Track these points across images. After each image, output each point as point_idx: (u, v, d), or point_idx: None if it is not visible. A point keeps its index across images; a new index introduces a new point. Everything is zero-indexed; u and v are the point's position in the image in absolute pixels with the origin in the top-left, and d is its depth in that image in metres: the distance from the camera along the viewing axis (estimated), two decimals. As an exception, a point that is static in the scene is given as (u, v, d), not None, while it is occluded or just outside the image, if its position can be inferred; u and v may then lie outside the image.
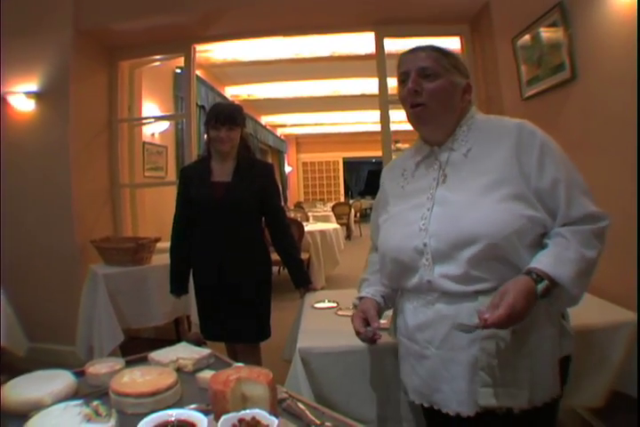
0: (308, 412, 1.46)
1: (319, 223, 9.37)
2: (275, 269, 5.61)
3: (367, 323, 1.77)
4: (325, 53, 6.91)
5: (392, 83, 5.35)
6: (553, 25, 3.41)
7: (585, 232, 1.55)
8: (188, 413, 1.35)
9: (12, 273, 4.29)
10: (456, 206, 1.60)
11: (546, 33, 3.51)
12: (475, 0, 4.51)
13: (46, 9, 4.69)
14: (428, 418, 1.85)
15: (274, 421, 1.24)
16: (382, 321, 1.89)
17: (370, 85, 5.46)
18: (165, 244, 3.59)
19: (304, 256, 7.13)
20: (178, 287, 3.37)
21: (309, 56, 7.01)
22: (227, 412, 1.27)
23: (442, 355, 1.63)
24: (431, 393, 1.68)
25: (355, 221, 16.51)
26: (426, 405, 1.71)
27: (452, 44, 5.10)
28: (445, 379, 1.63)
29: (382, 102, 5.20)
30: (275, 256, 3.40)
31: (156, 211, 5.89)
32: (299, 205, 14.72)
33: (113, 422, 1.34)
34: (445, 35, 5.10)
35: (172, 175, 6.53)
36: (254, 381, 1.37)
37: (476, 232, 1.52)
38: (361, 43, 6.10)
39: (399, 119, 9.30)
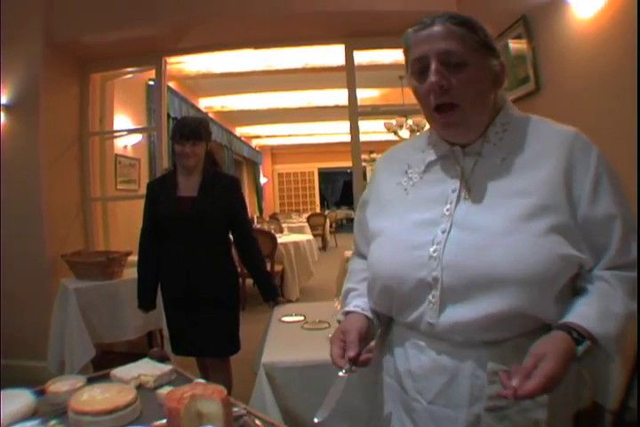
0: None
1: (293, 235, 9.39)
2: (249, 281, 5.62)
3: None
4: (298, 65, 6.95)
5: (361, 94, 5.45)
6: (518, 37, 3.48)
7: (632, 280, 1.26)
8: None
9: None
10: (482, 234, 1.22)
11: (512, 45, 3.57)
12: (442, 11, 4.55)
13: (17, 21, 4.66)
14: None
15: None
16: (373, 343, 1.48)
17: (343, 96, 5.50)
18: (136, 257, 3.58)
19: (278, 268, 7.18)
20: (145, 302, 3.36)
21: (282, 68, 7.05)
22: (182, 429, 1.28)
23: (434, 411, 1.31)
24: None
25: (330, 232, 16.53)
26: None
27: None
28: None
29: (352, 114, 5.25)
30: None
31: (128, 224, 5.83)
32: (274, 217, 14.70)
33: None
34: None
35: (144, 188, 6.46)
36: (208, 398, 1.38)
37: (504, 272, 1.17)
38: (333, 54, 6.15)
39: (373, 130, 9.36)
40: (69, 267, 4.45)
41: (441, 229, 1.28)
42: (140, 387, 1.76)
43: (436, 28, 1.25)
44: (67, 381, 1.77)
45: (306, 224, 13.51)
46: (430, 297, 1.27)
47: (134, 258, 3.58)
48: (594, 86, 2.78)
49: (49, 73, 4.82)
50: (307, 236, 9.41)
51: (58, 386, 1.72)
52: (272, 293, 3.42)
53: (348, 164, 5.68)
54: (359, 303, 1.49)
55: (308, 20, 4.81)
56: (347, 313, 1.49)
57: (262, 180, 17.74)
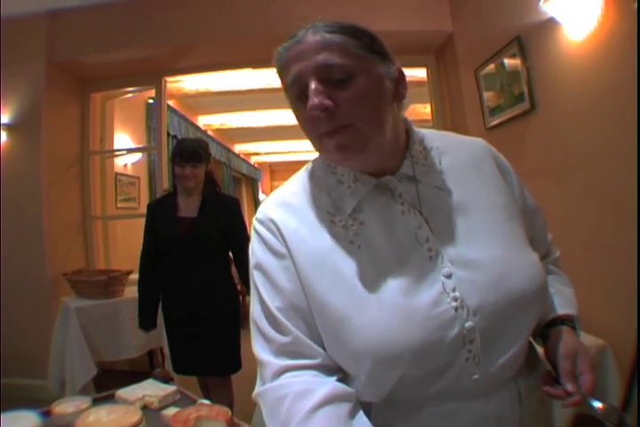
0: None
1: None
2: (249, 299, 5.59)
3: None
4: (296, 83, 6.99)
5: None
6: (513, 57, 3.53)
7: (558, 262, 1.38)
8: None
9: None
10: (487, 264, 1.07)
11: (507, 65, 3.62)
12: (439, 31, 4.63)
13: (19, 41, 4.74)
14: None
15: None
16: None
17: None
18: (137, 276, 3.59)
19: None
20: (146, 322, 3.38)
21: (280, 86, 7.08)
22: (188, 450, 1.30)
23: None
24: None
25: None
26: None
27: (419, 73, 5.25)
28: None
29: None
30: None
31: (128, 242, 5.86)
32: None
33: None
34: (412, 66, 5.20)
35: (144, 206, 6.47)
36: (213, 419, 1.40)
37: (525, 294, 1.07)
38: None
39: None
40: (70, 285, 4.47)
41: (444, 275, 1.05)
42: (144, 408, 1.77)
43: (310, 40, 1.04)
44: (72, 402, 1.78)
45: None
46: (467, 353, 1.03)
47: (135, 276, 3.60)
48: (587, 106, 2.82)
49: (50, 92, 4.87)
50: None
51: (63, 407, 1.74)
52: None
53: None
54: None
55: (306, 40, 4.86)
56: None
57: (261, 196, 17.75)
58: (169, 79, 5.69)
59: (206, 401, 1.71)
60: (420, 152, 1.16)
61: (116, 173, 6.15)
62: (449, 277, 1.05)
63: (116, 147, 6.13)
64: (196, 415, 1.40)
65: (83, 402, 1.78)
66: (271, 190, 19.38)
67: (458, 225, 1.11)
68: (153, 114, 6.44)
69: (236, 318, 3.35)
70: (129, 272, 4.54)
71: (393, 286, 1.03)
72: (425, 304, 1.01)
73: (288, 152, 15.82)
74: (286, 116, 9.98)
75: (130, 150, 6.48)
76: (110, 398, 1.90)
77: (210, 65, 5.40)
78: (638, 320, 1.76)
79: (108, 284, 4.32)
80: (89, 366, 3.94)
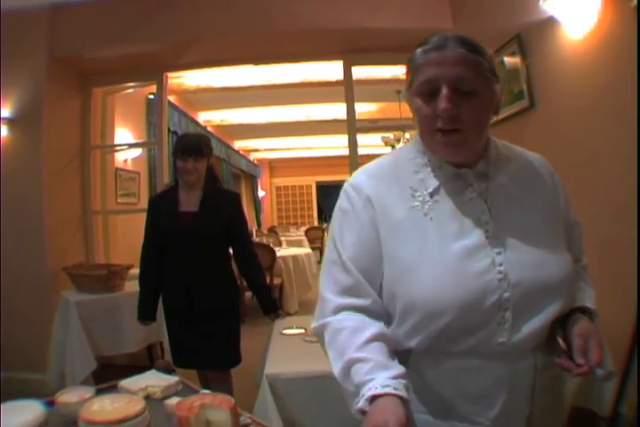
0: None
1: (292, 248, 9.42)
2: (249, 294, 5.63)
3: None
4: (296, 80, 7.02)
5: (359, 108, 5.52)
6: (512, 55, 3.55)
7: (586, 269, 1.59)
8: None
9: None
10: (532, 252, 1.31)
11: (506, 62, 3.64)
12: (439, 29, 4.63)
13: (20, 35, 4.74)
14: None
15: None
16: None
17: (341, 110, 5.57)
18: (137, 271, 3.60)
19: (276, 281, 7.20)
20: (145, 314, 3.40)
21: (281, 82, 7.12)
22: (192, 438, 1.33)
23: (498, 425, 1.31)
24: None
25: (329, 246, 16.51)
26: None
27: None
28: None
29: (350, 129, 5.31)
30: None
31: (128, 237, 5.87)
32: (272, 230, 14.72)
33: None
34: (413, 63, 5.21)
35: (144, 201, 6.44)
36: (217, 407, 1.43)
37: (560, 280, 1.31)
38: (331, 69, 6.22)
39: (369, 143, 9.37)
40: (71, 279, 4.49)
41: (495, 251, 1.29)
42: (147, 398, 1.79)
43: (450, 53, 1.24)
44: (75, 392, 1.80)
45: (304, 238, 13.53)
46: (500, 318, 1.26)
47: (135, 271, 3.62)
48: (586, 104, 2.85)
49: (51, 87, 4.88)
50: (305, 249, 9.45)
51: (67, 397, 1.76)
52: (272, 306, 3.46)
53: (346, 177, 5.74)
54: (386, 380, 1.15)
55: (307, 38, 4.89)
56: (373, 398, 1.12)
57: (260, 193, 17.78)
58: (170, 75, 5.71)
59: (208, 392, 1.73)
60: (495, 156, 1.40)
61: (117, 169, 6.17)
62: (499, 254, 1.29)
63: (116, 142, 6.15)
64: (200, 403, 1.43)
65: (86, 392, 1.80)
66: (270, 187, 19.43)
67: (513, 217, 1.35)
68: (153, 109, 6.46)
69: (236, 312, 3.37)
70: (129, 267, 4.56)
71: (453, 253, 1.28)
72: (476, 271, 1.26)
73: (288, 149, 15.86)
74: (287, 113, 10.02)
75: (131, 145, 6.50)
76: (113, 389, 1.93)
77: (211, 61, 5.43)
78: (638, 314, 1.79)
79: (109, 278, 4.34)
80: (89, 359, 3.96)
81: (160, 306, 3.41)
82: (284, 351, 2.74)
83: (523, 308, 1.27)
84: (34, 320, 4.63)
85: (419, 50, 1.30)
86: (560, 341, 1.34)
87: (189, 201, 3.25)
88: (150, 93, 6.74)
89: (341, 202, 1.45)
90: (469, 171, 1.36)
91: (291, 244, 10.78)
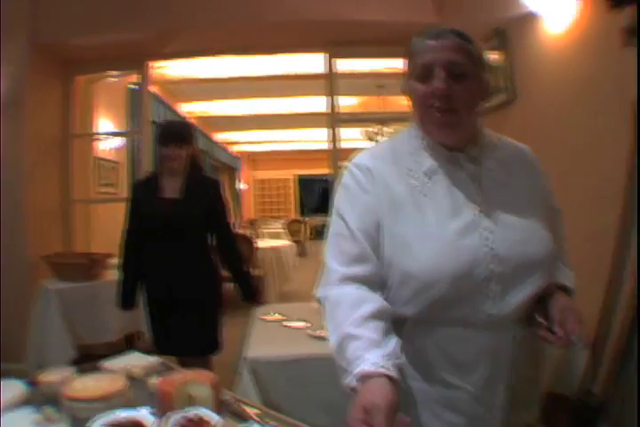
0: (252, 413, 1.53)
1: (272, 240, 9.44)
2: (229, 285, 5.62)
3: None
4: (278, 72, 7.03)
5: (341, 102, 5.56)
6: (493, 49, 3.60)
7: (567, 254, 1.66)
8: (137, 413, 1.43)
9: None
10: (518, 230, 1.42)
11: (489, 56, 3.69)
12: (422, 23, 4.68)
13: (3, 22, 4.66)
14: None
15: (216, 418, 1.34)
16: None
17: (322, 104, 5.60)
18: (117, 260, 3.59)
19: (256, 273, 7.22)
20: (125, 300, 3.40)
21: (263, 75, 7.13)
22: (173, 412, 1.36)
23: (482, 392, 1.42)
24: None
25: (309, 239, 16.59)
26: None
27: (400, 62, 5.30)
28: (480, 416, 1.44)
29: (332, 122, 5.36)
30: (226, 272, 3.47)
31: (109, 226, 5.82)
32: (252, 223, 14.74)
33: (64, 426, 1.40)
34: (396, 56, 5.24)
35: (125, 191, 6.49)
36: (199, 382, 1.46)
37: (543, 256, 1.42)
38: (313, 62, 6.23)
39: (350, 137, 9.37)
40: (51, 268, 4.47)
41: (485, 228, 1.39)
42: (129, 378, 1.81)
43: (445, 41, 1.38)
44: (57, 372, 1.82)
45: (284, 230, 13.56)
46: (488, 289, 1.36)
47: (116, 261, 3.62)
48: (565, 97, 2.91)
49: (33, 74, 4.88)
50: (285, 241, 9.49)
51: (49, 376, 1.77)
52: (252, 292, 3.50)
53: (326, 171, 5.77)
54: (377, 359, 1.19)
55: (292, 29, 4.94)
56: (363, 378, 1.17)
57: (240, 186, 17.78)
58: (153, 65, 5.71)
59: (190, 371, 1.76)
60: (485, 142, 1.52)
61: (98, 158, 6.17)
62: (489, 231, 1.39)
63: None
64: (183, 379, 1.45)
65: (68, 372, 1.81)
66: (251, 180, 19.41)
67: (501, 198, 1.46)
68: (135, 100, 6.44)
69: (217, 299, 3.40)
70: (109, 255, 4.56)
71: (448, 230, 1.38)
72: (468, 246, 1.36)
73: (268, 142, 15.84)
74: (268, 106, 10.01)
75: (112, 134, 6.51)
76: (94, 370, 1.94)
77: (195, 51, 5.46)
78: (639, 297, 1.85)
79: (89, 266, 4.35)
80: (67, 348, 3.97)
81: (140, 294, 3.40)
82: (263, 336, 2.77)
83: (509, 281, 1.37)
84: (12, 310, 4.56)
85: (418, 37, 1.43)
86: (539, 317, 1.42)
87: (171, 188, 3.26)
88: (132, 83, 6.71)
89: (345, 179, 1.54)
90: (461, 154, 1.48)
91: (271, 236, 10.81)
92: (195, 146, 3.38)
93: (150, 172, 3.62)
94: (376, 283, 1.42)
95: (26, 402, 1.64)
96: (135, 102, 6.39)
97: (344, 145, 5.51)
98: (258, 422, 1.37)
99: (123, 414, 1.42)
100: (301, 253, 14.79)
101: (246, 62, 6.69)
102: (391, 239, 1.42)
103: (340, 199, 1.53)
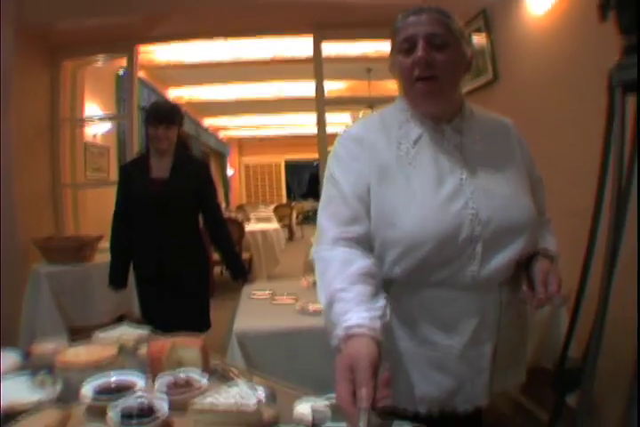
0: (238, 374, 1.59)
1: (260, 224, 9.51)
2: (217, 269, 5.68)
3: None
4: (267, 56, 7.06)
5: (328, 86, 5.59)
6: (478, 30, 3.65)
7: (549, 222, 1.77)
8: (128, 375, 1.50)
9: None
10: (499, 196, 1.49)
11: (472, 38, 3.74)
12: (409, 4, 4.69)
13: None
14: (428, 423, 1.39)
15: (204, 380, 1.41)
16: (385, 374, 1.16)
17: (310, 88, 5.63)
18: (107, 244, 3.64)
19: (245, 256, 7.27)
20: (116, 280, 3.47)
21: (251, 59, 7.15)
22: (163, 374, 1.42)
23: (468, 354, 1.49)
24: (451, 398, 1.51)
25: (297, 223, 16.66)
26: (435, 413, 1.51)
27: (388, 46, 5.33)
28: (468, 378, 1.51)
29: (319, 105, 5.41)
30: (217, 256, 3.52)
31: (98, 211, 5.87)
32: (241, 208, 14.77)
33: (58, 389, 1.46)
34: (383, 38, 5.27)
35: (113, 177, 6.48)
36: (187, 345, 1.52)
37: (524, 222, 1.49)
38: (301, 46, 6.27)
39: (339, 121, 9.42)
40: (41, 252, 4.50)
41: (468, 195, 1.46)
42: (120, 348, 1.86)
43: (425, 15, 1.45)
44: (50, 343, 1.87)
45: (273, 215, 13.60)
46: (471, 251, 1.44)
47: (106, 244, 3.66)
48: (546, 77, 2.97)
49: (20, 59, 4.86)
50: (274, 225, 9.53)
51: (43, 347, 1.82)
52: (241, 271, 3.57)
53: (315, 155, 5.81)
54: (362, 319, 1.23)
55: (278, 10, 4.95)
56: (349, 336, 1.21)
57: (229, 171, 17.79)
58: (140, 49, 5.72)
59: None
60: (468, 115, 1.59)
61: (86, 143, 6.18)
62: (471, 197, 1.46)
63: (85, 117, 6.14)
64: (172, 343, 1.52)
65: (60, 343, 1.87)
66: (239, 166, 19.40)
67: (483, 167, 1.54)
68: (123, 85, 6.45)
69: (206, 276, 3.48)
70: (99, 238, 4.60)
71: (431, 194, 1.46)
72: (452, 210, 1.44)
73: (257, 127, 15.80)
74: (256, 90, 10.00)
75: (100, 118, 6.52)
76: (87, 341, 1.99)
77: (182, 34, 5.50)
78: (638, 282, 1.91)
79: (79, 249, 4.38)
80: (59, 330, 3.99)
81: (131, 273, 3.46)
82: (252, 312, 2.82)
83: (491, 243, 1.45)
84: (3, 295, 4.61)
85: (400, 15, 1.50)
86: (523, 280, 1.50)
87: (160, 168, 3.31)
88: (120, 67, 6.72)
89: (337, 148, 1.62)
90: (446, 125, 1.56)
91: (259, 220, 10.84)
92: (183, 127, 3.43)
93: (139, 153, 3.66)
94: (367, 244, 1.50)
95: (21, 370, 1.68)
96: (123, 88, 6.41)
97: (333, 130, 5.54)
98: (243, 382, 1.43)
99: (114, 378, 1.47)
100: (290, 237, 14.88)
101: (234, 46, 6.71)
102: (379, 204, 1.49)
103: (332, 167, 1.60)
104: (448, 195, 1.46)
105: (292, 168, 20.24)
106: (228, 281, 3.53)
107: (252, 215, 11.33)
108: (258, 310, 2.86)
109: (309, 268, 5.36)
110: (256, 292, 3.18)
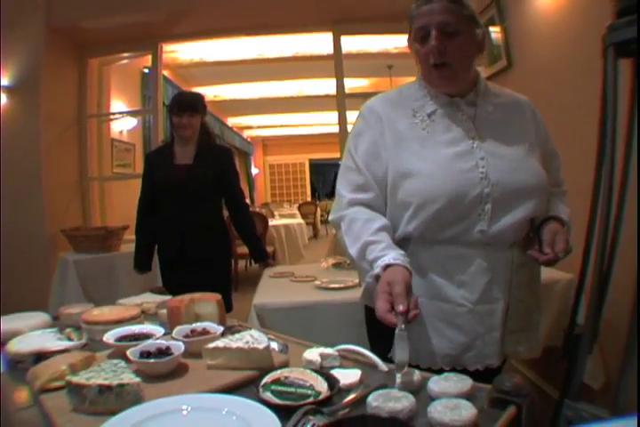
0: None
1: (284, 219, 9.61)
2: (242, 263, 5.73)
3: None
4: (288, 54, 7.15)
5: (350, 84, 5.65)
6: (491, 19, 3.72)
7: (564, 194, 1.85)
8: (148, 327, 1.60)
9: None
10: (508, 160, 1.59)
11: (489, 29, 3.82)
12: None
13: (19, 5, 4.87)
14: None
15: (220, 328, 1.52)
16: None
17: (333, 86, 5.69)
18: (133, 236, 3.74)
19: (269, 250, 7.35)
20: (141, 263, 3.59)
21: (273, 56, 7.25)
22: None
23: (479, 310, 1.58)
24: (461, 353, 1.60)
25: (321, 221, 16.71)
26: (447, 368, 1.59)
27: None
28: (479, 334, 1.59)
29: (340, 101, 5.50)
30: (240, 250, 3.58)
31: (123, 205, 6.02)
32: (265, 206, 14.86)
33: (84, 341, 1.57)
34: (402, 32, 5.31)
35: (139, 171, 6.63)
36: (205, 300, 1.62)
37: (533, 185, 1.58)
38: (322, 43, 6.34)
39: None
40: (69, 241, 4.63)
41: (479, 157, 1.57)
42: (142, 311, 1.97)
43: (436, 5, 1.53)
44: (77, 306, 1.99)
45: (297, 212, 13.66)
46: (481, 210, 1.54)
47: (131, 236, 3.76)
48: (557, 61, 3.03)
49: (49, 57, 5.04)
50: (297, 220, 9.62)
51: (70, 309, 1.94)
52: (262, 254, 3.69)
53: (339, 155, 5.86)
54: (397, 256, 1.46)
55: (297, 7, 5.06)
56: (386, 266, 1.43)
57: (254, 170, 17.90)
58: (164, 48, 5.85)
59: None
60: (483, 89, 1.69)
61: (112, 139, 6.34)
62: (482, 159, 1.57)
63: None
64: (190, 297, 1.62)
65: (87, 306, 1.98)
66: (264, 165, 19.49)
67: (495, 135, 1.63)
68: (148, 83, 6.60)
69: (229, 258, 3.59)
70: (125, 227, 4.73)
71: (444, 156, 1.58)
72: (462, 169, 1.55)
73: (280, 126, 15.85)
74: (279, 88, 10.08)
75: (126, 113, 6.71)
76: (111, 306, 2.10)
77: (205, 31, 5.59)
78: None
79: (106, 237, 4.51)
80: (86, 315, 4.11)
81: (155, 257, 3.59)
82: (271, 288, 2.93)
83: (500, 203, 1.55)
84: (33, 283, 4.79)
85: (413, 5, 1.58)
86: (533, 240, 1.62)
87: (184, 155, 3.41)
88: (145, 67, 6.87)
89: (356, 121, 1.77)
90: (461, 100, 1.66)
91: (284, 217, 10.93)
92: (206, 116, 3.54)
93: (164, 141, 3.78)
94: (378, 208, 1.65)
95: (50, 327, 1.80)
96: (148, 85, 6.56)
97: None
98: (255, 330, 1.52)
99: (135, 328, 1.58)
100: (314, 235, 14.92)
101: (255, 44, 6.80)
102: (395, 167, 1.62)
103: (350, 139, 1.75)
104: (459, 156, 1.57)
105: (317, 167, 20.28)
106: (251, 276, 3.62)
107: (276, 213, 11.43)
108: (277, 286, 2.97)
109: (331, 252, 5.45)
110: (276, 272, 3.28)
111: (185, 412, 1.08)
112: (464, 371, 1.54)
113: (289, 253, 7.90)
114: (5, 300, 4.43)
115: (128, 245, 4.40)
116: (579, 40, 2.85)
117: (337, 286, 2.79)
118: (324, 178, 23.72)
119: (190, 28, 5.45)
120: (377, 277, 1.43)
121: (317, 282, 2.88)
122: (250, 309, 2.64)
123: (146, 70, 7.00)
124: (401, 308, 1.27)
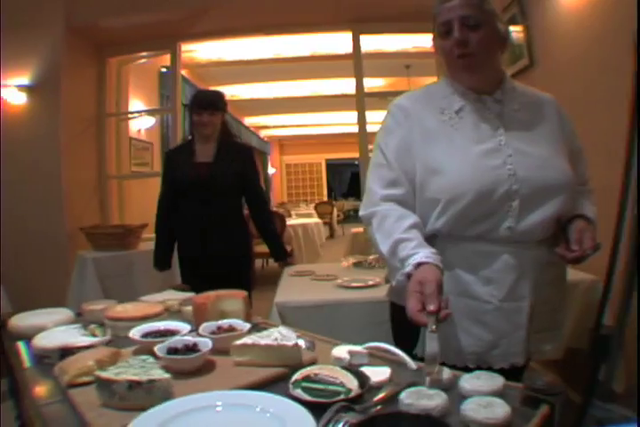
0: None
1: (301, 219, 9.60)
2: (258, 263, 5.71)
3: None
4: (305, 53, 7.13)
5: (368, 83, 5.63)
6: (513, 18, 3.70)
7: (591, 192, 1.84)
8: (174, 323, 1.59)
9: (2, 260, 4.42)
10: (536, 157, 1.59)
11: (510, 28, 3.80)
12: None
13: (39, 5, 4.89)
14: None
15: (247, 325, 1.50)
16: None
17: (350, 86, 5.66)
18: (151, 235, 3.76)
19: (287, 248, 7.35)
20: (161, 260, 3.57)
21: (290, 56, 7.23)
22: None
23: (506, 307, 1.57)
24: (487, 351, 1.60)
25: (337, 221, 16.69)
26: (472, 366, 1.59)
27: (426, 41, 5.36)
28: (505, 332, 1.58)
29: (359, 100, 5.46)
30: (258, 249, 3.56)
31: (141, 203, 6.05)
32: (282, 205, 14.86)
33: (108, 337, 1.56)
34: (420, 31, 5.30)
35: (157, 170, 6.69)
36: (231, 296, 1.61)
37: (560, 182, 1.58)
38: (340, 42, 6.32)
39: (380, 120, 9.38)
40: (88, 238, 4.64)
41: (507, 155, 1.58)
42: (165, 309, 1.96)
43: (457, 0, 1.57)
44: (100, 302, 1.99)
45: (313, 212, 13.66)
46: (509, 207, 1.55)
47: (149, 234, 3.76)
48: (580, 59, 3.00)
49: (69, 56, 5.05)
50: (315, 219, 9.62)
51: (94, 305, 1.94)
52: (282, 252, 3.67)
53: (356, 155, 5.82)
54: (429, 254, 1.45)
55: (316, 6, 5.04)
56: (418, 265, 1.43)
57: (270, 170, 17.91)
58: (183, 47, 5.85)
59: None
60: (509, 88, 1.70)
61: (131, 138, 6.36)
62: (510, 156, 1.58)
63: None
64: (216, 294, 1.62)
65: (110, 302, 1.98)
66: (280, 164, 19.51)
67: (522, 133, 1.64)
68: (166, 82, 6.61)
69: (249, 256, 3.58)
70: (144, 225, 4.74)
71: (472, 153, 1.59)
72: (490, 166, 1.56)
73: (298, 125, 15.84)
74: (296, 88, 10.07)
75: (145, 112, 6.74)
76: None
77: (223, 30, 5.57)
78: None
79: (124, 236, 4.52)
80: (104, 313, 4.12)
81: (175, 255, 3.58)
82: (293, 287, 2.94)
83: (528, 201, 1.55)
84: (51, 280, 4.82)
85: (437, 2, 1.63)
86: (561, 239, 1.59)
87: (205, 152, 3.41)
88: (163, 66, 6.89)
89: (385, 118, 1.78)
90: (488, 97, 1.68)
91: (300, 216, 10.92)
92: (226, 114, 3.54)
93: (184, 139, 3.78)
94: (409, 204, 1.65)
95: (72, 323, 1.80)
96: (166, 85, 6.57)
97: (374, 128, 5.54)
98: (283, 327, 1.51)
99: (160, 325, 1.57)
100: (330, 234, 14.91)
101: (273, 44, 6.78)
102: (424, 164, 1.63)
103: (379, 135, 1.77)
104: (487, 153, 1.58)
105: (333, 167, 20.28)
106: (268, 275, 3.61)
107: (293, 212, 11.44)
108: (298, 284, 2.98)
109: (350, 251, 5.44)
110: (296, 270, 3.27)
111: (219, 408, 1.07)
112: (489, 369, 1.47)
113: (306, 253, 7.90)
114: (25, 297, 4.46)
115: (146, 244, 4.42)
116: (601, 38, 2.83)
117: (358, 284, 2.80)
118: (340, 178, 23.73)
119: (208, 27, 5.44)
120: (408, 276, 1.42)
121: (339, 281, 2.88)
122: (270, 307, 2.64)
123: (163, 70, 7.01)
124: (432, 308, 1.27)
